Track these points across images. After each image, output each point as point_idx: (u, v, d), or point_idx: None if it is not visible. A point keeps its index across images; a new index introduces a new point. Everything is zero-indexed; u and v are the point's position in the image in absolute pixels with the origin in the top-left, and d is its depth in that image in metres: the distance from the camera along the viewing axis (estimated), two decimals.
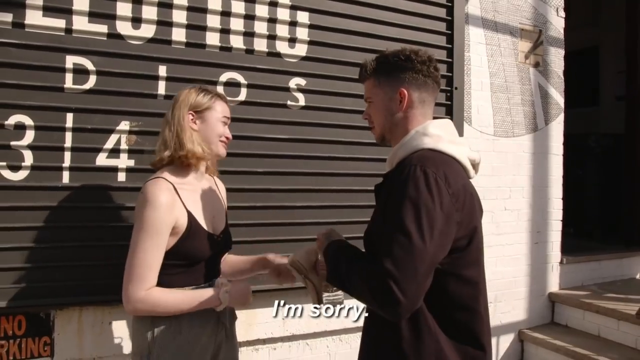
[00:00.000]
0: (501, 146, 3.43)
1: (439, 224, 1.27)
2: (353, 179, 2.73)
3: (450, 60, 3.05)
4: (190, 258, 1.68)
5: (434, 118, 1.52)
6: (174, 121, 1.73)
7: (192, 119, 1.74)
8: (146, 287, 1.57)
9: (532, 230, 3.60)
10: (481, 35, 3.33)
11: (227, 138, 1.81)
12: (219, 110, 1.78)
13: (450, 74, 3.05)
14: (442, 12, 3.04)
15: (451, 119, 3.03)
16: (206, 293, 1.66)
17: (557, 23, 3.71)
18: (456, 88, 3.06)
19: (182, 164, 1.72)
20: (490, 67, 3.38)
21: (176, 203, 1.65)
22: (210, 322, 1.72)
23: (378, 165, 2.76)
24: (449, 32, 3.05)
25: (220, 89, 2.40)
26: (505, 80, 3.44)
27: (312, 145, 2.62)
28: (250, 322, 2.60)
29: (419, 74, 1.47)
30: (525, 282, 3.59)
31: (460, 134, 2.99)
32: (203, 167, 1.79)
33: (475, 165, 1.54)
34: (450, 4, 3.05)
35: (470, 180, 1.50)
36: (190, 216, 1.68)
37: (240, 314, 2.22)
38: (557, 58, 3.70)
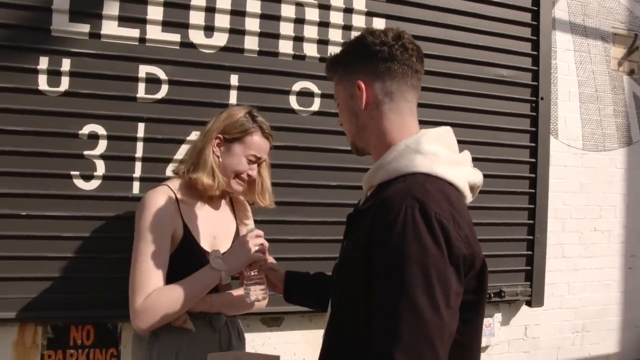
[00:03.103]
0: (590, 161, 3.14)
1: (454, 284, 0.99)
2: None
3: (535, 68, 2.82)
4: (181, 275, 1.52)
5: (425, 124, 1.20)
6: (204, 136, 1.62)
7: (218, 143, 1.61)
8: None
9: (626, 254, 3.27)
10: (569, 42, 3.08)
11: (249, 176, 1.64)
12: (250, 146, 1.62)
13: (536, 83, 2.82)
14: (527, 17, 2.83)
15: (536, 131, 2.81)
16: (201, 270, 1.51)
17: None
18: (542, 98, 2.83)
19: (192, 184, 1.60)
20: (579, 75, 3.12)
21: (175, 212, 1.55)
22: (212, 343, 1.59)
23: None
24: (535, 38, 2.83)
25: (293, 98, 2.32)
26: (595, 89, 3.15)
27: None
28: None
29: (376, 59, 1.15)
30: (617, 310, 3.26)
31: (546, 148, 2.77)
32: (216, 193, 1.65)
33: (474, 189, 1.20)
34: (536, 8, 2.83)
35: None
36: (186, 229, 1.56)
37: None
38: None
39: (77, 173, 2.04)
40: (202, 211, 1.65)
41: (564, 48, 3.05)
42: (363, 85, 1.16)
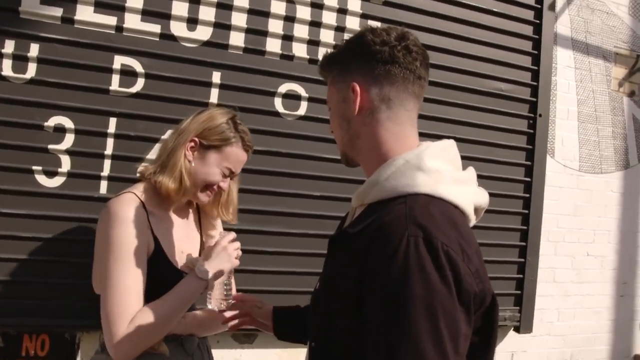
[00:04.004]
0: (586, 183, 3.02)
1: (463, 327, 0.87)
2: None
3: (535, 83, 2.71)
4: (148, 292, 1.36)
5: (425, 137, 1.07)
6: (178, 136, 1.46)
7: (192, 147, 1.45)
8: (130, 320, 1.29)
9: (618, 281, 3.15)
10: (570, 58, 2.97)
11: (219, 187, 1.49)
12: (227, 158, 1.47)
13: (535, 99, 2.70)
14: (528, 30, 2.72)
15: (532, 149, 2.69)
16: (184, 282, 1.37)
17: None
18: (540, 115, 2.71)
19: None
20: (579, 93, 3.01)
21: (146, 225, 1.39)
22: None
23: None
24: (536, 52, 2.72)
25: (278, 100, 2.17)
26: (595, 109, 3.05)
27: None
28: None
29: (375, 60, 1.01)
30: (607, 339, 3.13)
31: (542, 167, 2.66)
32: (181, 201, 1.51)
33: (478, 211, 1.07)
34: (538, 21, 2.72)
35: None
36: (157, 244, 1.41)
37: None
38: None
39: (40, 168, 1.88)
40: (170, 222, 1.51)
41: (564, 65, 2.94)
42: (358, 88, 1.03)
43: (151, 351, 1.36)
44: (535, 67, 2.71)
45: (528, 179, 2.69)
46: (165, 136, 1.97)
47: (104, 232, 1.37)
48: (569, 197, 2.94)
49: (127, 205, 1.39)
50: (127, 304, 1.29)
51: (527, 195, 2.68)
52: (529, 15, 2.71)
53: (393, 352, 0.84)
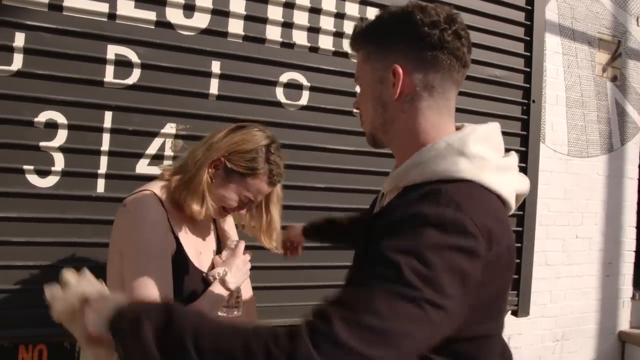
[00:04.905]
0: (575, 167, 3.08)
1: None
2: None
3: (528, 69, 2.70)
4: (176, 295, 1.30)
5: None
6: (207, 150, 1.36)
7: (216, 165, 1.35)
8: None
9: (604, 262, 3.24)
10: (558, 44, 3.00)
11: (233, 210, 1.41)
12: (248, 188, 1.37)
13: (528, 85, 2.70)
14: (520, 16, 2.71)
15: (527, 135, 2.69)
16: (212, 290, 1.33)
17: (638, 34, 3.36)
18: (534, 101, 2.71)
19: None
20: (567, 79, 3.05)
21: (168, 226, 1.33)
22: None
23: None
24: (528, 38, 2.71)
25: (279, 90, 2.09)
26: (581, 94, 3.09)
27: (379, 160, 2.28)
28: None
29: (424, 44, 0.94)
30: (594, 318, 3.23)
31: (536, 152, 2.67)
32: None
33: (519, 198, 1.01)
34: (530, 7, 2.71)
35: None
36: (179, 245, 1.35)
37: None
38: (636, 72, 3.36)
39: (31, 167, 1.75)
40: (187, 222, 1.42)
41: (552, 50, 2.97)
42: (401, 72, 0.95)
43: None
44: (528, 54, 2.70)
45: (523, 165, 2.69)
46: (166, 129, 1.91)
47: (128, 234, 1.29)
48: (559, 181, 2.99)
49: (152, 206, 1.31)
50: None
51: None
52: (520, 1, 2.71)
53: (384, 266, 0.80)
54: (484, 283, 0.84)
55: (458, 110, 2.48)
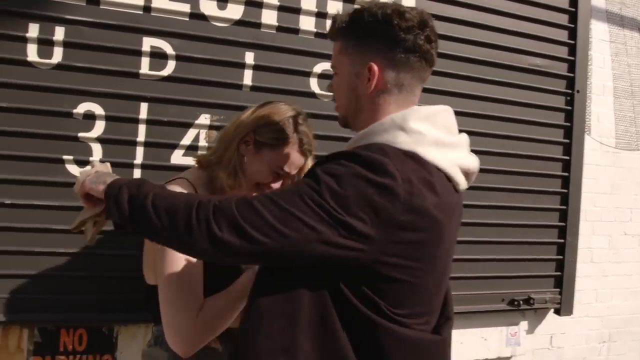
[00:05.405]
0: (623, 161, 2.94)
1: (322, 229, 0.94)
2: None
3: (572, 58, 2.61)
4: (207, 283, 1.31)
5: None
6: (236, 128, 1.38)
7: (246, 141, 1.36)
8: (197, 309, 1.23)
9: None
10: (605, 32, 2.87)
11: (267, 186, 1.39)
12: (280, 158, 1.36)
13: (572, 75, 2.60)
14: (564, 3, 2.61)
15: (570, 127, 2.60)
16: (246, 276, 1.31)
17: None
18: (578, 91, 2.61)
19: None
20: (614, 68, 2.91)
21: None
22: None
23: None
24: (572, 26, 2.61)
25: (313, 81, 2.09)
26: (630, 84, 2.95)
27: None
28: None
29: (399, 47, 1.06)
30: None
31: (580, 145, 2.57)
32: None
33: (469, 175, 1.12)
34: None
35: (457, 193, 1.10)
36: None
37: None
38: None
39: (71, 157, 1.80)
40: None
41: (599, 38, 2.84)
42: (376, 70, 1.07)
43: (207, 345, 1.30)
44: (572, 42, 2.61)
45: (566, 157, 2.60)
46: (200, 120, 1.93)
47: None
48: (605, 175, 2.87)
49: (184, 190, 1.31)
50: (192, 294, 1.24)
51: (566, 174, 2.60)
52: None
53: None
54: (406, 228, 0.96)
55: (498, 101, 2.45)
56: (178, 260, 1.25)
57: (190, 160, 1.87)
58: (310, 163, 1.45)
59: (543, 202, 2.57)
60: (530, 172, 2.52)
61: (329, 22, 2.05)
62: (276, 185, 1.40)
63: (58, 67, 1.78)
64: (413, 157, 1.00)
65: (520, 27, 2.50)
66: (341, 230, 0.93)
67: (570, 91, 2.61)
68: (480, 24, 2.42)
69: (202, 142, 1.94)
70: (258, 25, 2.01)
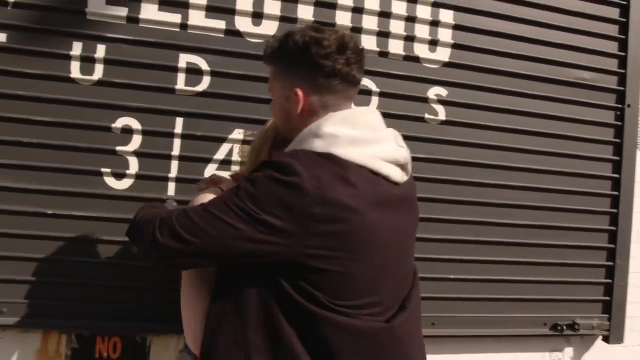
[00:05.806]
0: None
1: (243, 227, 1.07)
2: (497, 209, 2.27)
3: (622, 71, 2.47)
4: None
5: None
6: (261, 137, 1.49)
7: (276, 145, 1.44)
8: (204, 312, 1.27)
9: None
10: None
11: None
12: None
13: (623, 88, 2.47)
14: (614, 13, 2.49)
15: (621, 143, 2.46)
16: None
17: None
18: (629, 105, 2.47)
19: None
20: None
21: None
22: None
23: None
24: (623, 37, 2.49)
25: None
26: None
27: (451, 168, 2.19)
28: None
29: (319, 73, 1.15)
30: None
31: (632, 162, 2.44)
32: None
33: (403, 166, 1.21)
34: (625, 3, 2.49)
35: (403, 184, 1.19)
36: None
37: None
38: None
39: (109, 170, 1.86)
40: None
41: None
42: (301, 94, 1.17)
43: None
44: (623, 53, 2.48)
45: (616, 176, 2.46)
46: (234, 135, 1.97)
47: None
48: None
49: None
50: (203, 300, 1.26)
51: (616, 193, 2.46)
52: None
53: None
54: (322, 220, 1.04)
55: (541, 116, 2.35)
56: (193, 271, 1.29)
57: (222, 175, 1.90)
58: None
59: (591, 222, 2.44)
60: (578, 191, 2.41)
61: (363, 37, 2.08)
62: None
63: (99, 83, 1.85)
64: (327, 157, 1.09)
65: (565, 40, 2.40)
66: (260, 227, 1.04)
67: (620, 105, 2.48)
68: (524, 37, 2.34)
69: (235, 157, 1.97)
70: None
